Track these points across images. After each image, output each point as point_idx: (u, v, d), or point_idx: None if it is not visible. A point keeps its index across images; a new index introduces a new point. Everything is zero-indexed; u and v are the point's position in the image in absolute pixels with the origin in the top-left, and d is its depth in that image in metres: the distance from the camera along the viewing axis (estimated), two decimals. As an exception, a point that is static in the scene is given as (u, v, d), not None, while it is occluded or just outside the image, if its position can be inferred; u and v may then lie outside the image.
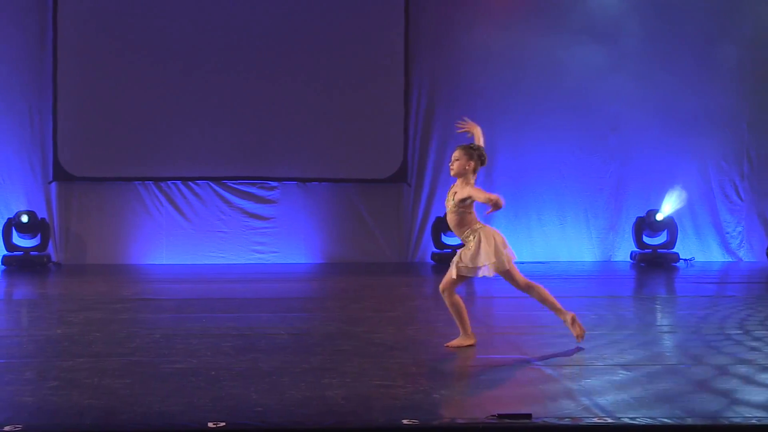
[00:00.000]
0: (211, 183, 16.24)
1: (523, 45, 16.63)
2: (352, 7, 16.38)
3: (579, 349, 7.86)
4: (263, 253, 16.30)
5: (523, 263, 15.87)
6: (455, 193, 7.88)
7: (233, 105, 16.06)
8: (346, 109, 16.25)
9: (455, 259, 7.91)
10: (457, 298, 8.00)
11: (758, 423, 5.57)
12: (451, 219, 7.98)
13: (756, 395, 6.29)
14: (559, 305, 7.95)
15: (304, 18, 16.22)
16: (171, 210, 16.19)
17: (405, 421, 5.42)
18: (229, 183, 16.28)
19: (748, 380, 6.75)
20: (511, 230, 16.54)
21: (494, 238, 7.86)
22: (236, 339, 8.38)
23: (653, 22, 16.86)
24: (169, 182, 16.17)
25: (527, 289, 7.93)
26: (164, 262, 15.90)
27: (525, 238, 16.48)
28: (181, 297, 11.82)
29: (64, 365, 7.16)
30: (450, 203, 7.93)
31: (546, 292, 7.92)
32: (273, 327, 9.18)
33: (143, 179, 16.11)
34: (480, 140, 8.18)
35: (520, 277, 7.91)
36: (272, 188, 16.39)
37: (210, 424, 5.31)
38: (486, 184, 16.62)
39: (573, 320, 7.93)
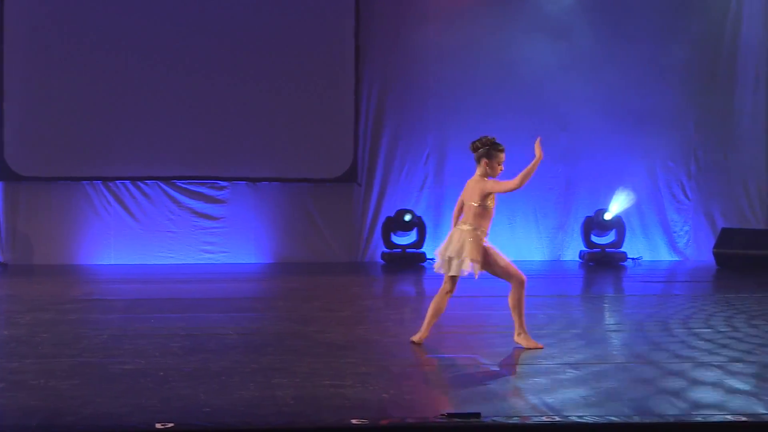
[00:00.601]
0: (160, 183, 16.14)
1: (475, 45, 16.66)
2: (302, 6, 16.31)
3: (526, 349, 7.90)
4: (213, 253, 16.22)
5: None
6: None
7: (183, 105, 15.95)
8: (296, 108, 16.19)
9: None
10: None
11: (703, 420, 5.63)
12: None
13: (701, 393, 6.36)
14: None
15: (254, 17, 16.15)
16: (119, 210, 16.07)
17: (354, 421, 5.42)
18: (179, 183, 16.19)
19: (693, 378, 6.82)
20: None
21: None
22: (185, 339, 8.34)
23: (603, 22, 16.95)
24: (117, 182, 16.03)
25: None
26: (113, 263, 15.78)
27: (475, 237, 16.51)
28: (130, 297, 11.74)
29: (10, 367, 7.10)
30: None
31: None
32: (222, 327, 9.15)
33: (91, 179, 15.97)
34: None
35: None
36: (222, 188, 16.32)
37: (158, 425, 5.28)
38: (436, 183, 16.71)
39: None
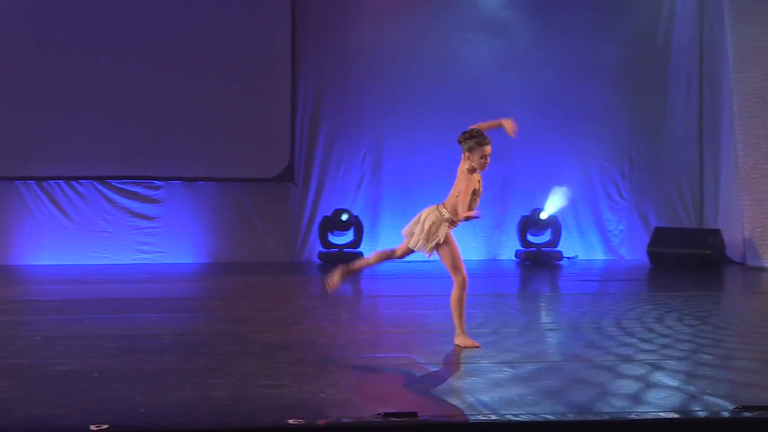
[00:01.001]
0: (94, 182, 16.00)
1: (412, 44, 16.71)
2: (238, 4, 16.26)
3: (463, 348, 7.92)
4: (148, 253, 16.10)
5: (410, 262, 16.09)
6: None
7: (118, 103, 15.82)
8: (232, 107, 16.13)
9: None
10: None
11: (637, 417, 5.68)
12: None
13: (634, 390, 6.42)
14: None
15: (190, 14, 16.07)
16: (53, 210, 15.90)
17: (291, 421, 5.41)
18: (114, 182, 16.05)
19: (627, 376, 6.88)
20: (398, 229, 16.59)
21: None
22: (120, 340, 8.27)
23: (539, 22, 17.08)
24: (51, 182, 15.87)
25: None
26: (46, 263, 15.60)
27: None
28: (64, 298, 11.62)
29: (-59, 369, 6.99)
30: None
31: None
32: (158, 327, 9.08)
33: (24, 178, 15.79)
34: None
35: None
36: (158, 188, 16.21)
37: (92, 427, 5.23)
38: (373, 183, 16.73)
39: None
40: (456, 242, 8.04)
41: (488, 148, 7.88)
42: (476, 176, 7.88)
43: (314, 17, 16.60)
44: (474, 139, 7.86)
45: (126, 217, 16.11)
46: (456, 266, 7.97)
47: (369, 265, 8.28)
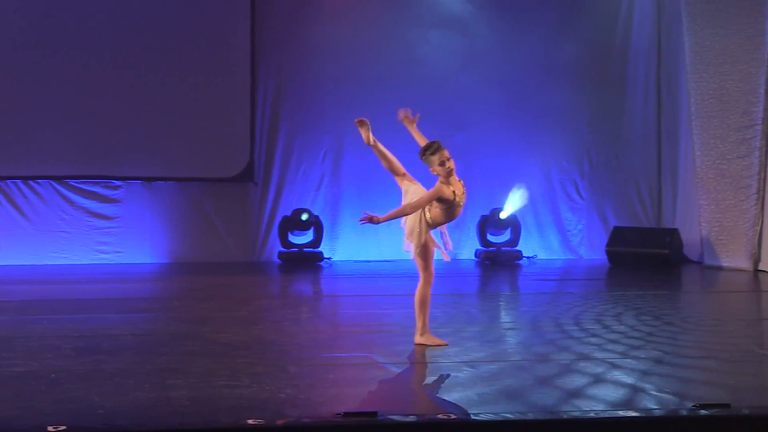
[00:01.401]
0: (52, 182, 15.85)
1: (372, 43, 16.70)
2: (198, 3, 16.19)
3: (429, 347, 7.93)
4: (107, 253, 15.99)
5: (369, 261, 16.13)
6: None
7: (76, 102, 15.70)
8: (191, 107, 16.05)
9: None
10: None
11: (595, 416, 5.71)
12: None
13: (593, 389, 6.45)
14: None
15: (149, 13, 15.96)
16: (10, 209, 15.75)
17: (250, 421, 5.39)
18: (72, 182, 15.93)
19: (586, 374, 6.91)
20: (358, 229, 16.63)
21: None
22: (78, 341, 8.22)
23: (499, 22, 17.11)
24: (8, 181, 15.72)
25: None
26: (3, 263, 15.46)
27: (372, 236, 16.54)
28: (22, 298, 11.54)
29: None
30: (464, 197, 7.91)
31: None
32: (117, 328, 9.04)
33: (-19, 178, 15.67)
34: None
35: None
36: (116, 187, 16.10)
37: (50, 428, 5.19)
38: (333, 183, 16.72)
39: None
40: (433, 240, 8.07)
41: (436, 158, 7.81)
42: (445, 188, 7.79)
43: (274, 16, 16.55)
44: (427, 151, 7.86)
45: (84, 217, 15.99)
46: (426, 264, 7.99)
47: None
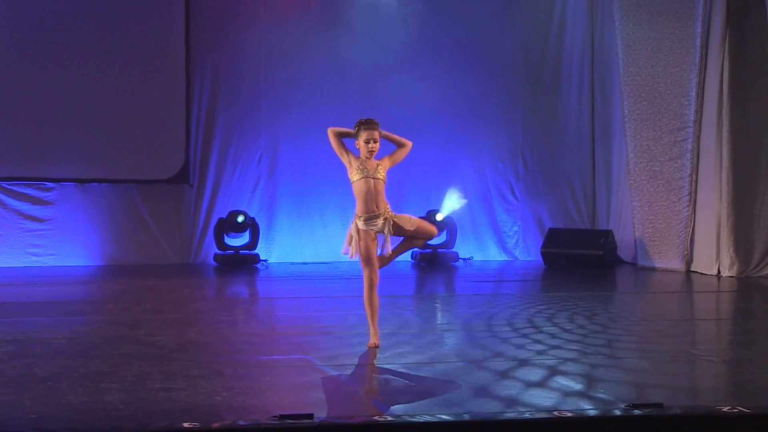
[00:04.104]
0: (-17, 184, 15.66)
1: (306, 44, 16.65)
2: (132, 3, 16.05)
3: (361, 350, 7.94)
4: (40, 255, 15.80)
5: (306, 263, 16.10)
6: (381, 166, 8.09)
7: (7, 102, 15.50)
8: (126, 107, 15.90)
9: (387, 231, 8.05)
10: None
11: (531, 417, 5.75)
12: (381, 189, 8.08)
13: (527, 390, 6.49)
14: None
15: (84, 11, 15.79)
16: (-60, 211, 15.54)
17: (186, 424, 5.36)
18: (3, 184, 15.71)
19: (520, 376, 6.96)
20: (294, 231, 16.62)
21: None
22: (9, 344, 8.12)
23: (432, 22, 17.13)
24: (-62, 182, 15.51)
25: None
26: (-67, 266, 15.26)
27: (308, 238, 16.54)
28: (-48, 302, 11.38)
29: None
30: (381, 174, 8.06)
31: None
32: (49, 331, 8.94)
33: None
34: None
35: None
36: (49, 189, 15.92)
37: (-19, 433, 5.14)
38: (269, 185, 16.67)
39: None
40: (371, 241, 8.07)
41: (375, 134, 8.03)
42: (355, 160, 8.04)
43: (208, 18, 16.46)
44: (362, 125, 8.04)
45: (16, 219, 15.78)
46: (370, 263, 8.01)
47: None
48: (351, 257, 8.12)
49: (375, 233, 8.07)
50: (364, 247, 8.01)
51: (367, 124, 8.10)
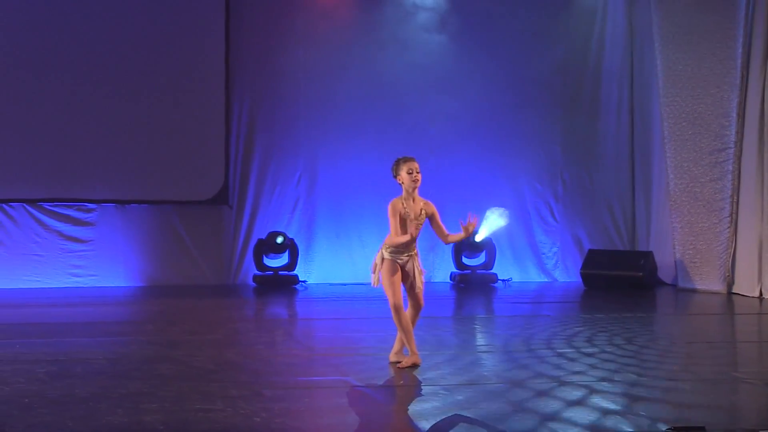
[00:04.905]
0: (25, 205, 15.76)
1: (345, 66, 16.72)
2: (172, 26, 16.16)
3: (399, 371, 7.92)
4: (81, 276, 15.90)
5: (345, 284, 16.10)
6: (425, 211, 8.23)
7: (50, 124, 15.62)
8: (166, 129, 16.01)
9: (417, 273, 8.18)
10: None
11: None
12: (416, 234, 8.23)
13: (569, 412, 6.45)
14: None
15: (124, 35, 15.92)
16: (-17, 233, 15.67)
17: (224, 446, 5.37)
18: (45, 205, 15.84)
19: (562, 398, 6.91)
20: (333, 251, 16.63)
21: None
22: (51, 365, 8.16)
23: (471, 44, 17.16)
24: (-19, 204, 15.65)
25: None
26: (-24, 287, 15.37)
27: (346, 258, 16.54)
28: (-6, 322, 11.45)
29: None
30: (422, 218, 8.22)
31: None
32: (90, 352, 8.98)
33: (-47, 201, 15.56)
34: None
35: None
36: (90, 210, 16.02)
37: (22, 454, 5.16)
38: (307, 205, 16.70)
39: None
40: (394, 267, 8.10)
41: (415, 165, 8.01)
42: (399, 204, 8.10)
43: (248, 40, 16.55)
44: (400, 160, 8.14)
45: (58, 240, 15.89)
46: (390, 293, 8.06)
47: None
48: (374, 285, 8.17)
49: (398, 265, 8.13)
50: (386, 272, 8.05)
51: (405, 158, 8.18)
